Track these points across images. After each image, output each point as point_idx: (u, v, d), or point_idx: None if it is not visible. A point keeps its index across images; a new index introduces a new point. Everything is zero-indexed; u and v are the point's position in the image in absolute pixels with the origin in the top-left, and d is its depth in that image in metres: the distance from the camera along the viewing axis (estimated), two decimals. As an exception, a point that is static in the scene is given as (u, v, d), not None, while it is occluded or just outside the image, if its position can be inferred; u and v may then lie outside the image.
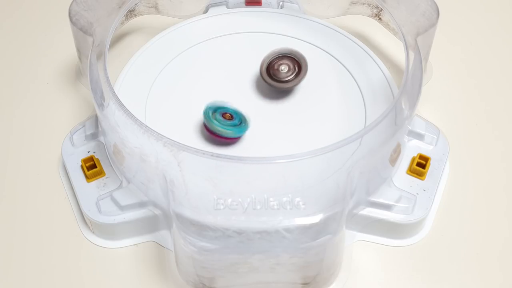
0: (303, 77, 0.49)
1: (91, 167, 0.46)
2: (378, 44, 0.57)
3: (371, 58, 0.52)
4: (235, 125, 0.46)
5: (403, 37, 0.48)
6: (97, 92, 0.44)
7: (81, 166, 0.46)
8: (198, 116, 0.49)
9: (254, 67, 0.52)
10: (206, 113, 0.46)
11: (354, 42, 0.54)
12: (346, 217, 0.40)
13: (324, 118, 0.49)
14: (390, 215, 0.44)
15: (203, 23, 0.56)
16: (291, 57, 0.49)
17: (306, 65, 0.49)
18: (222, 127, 0.45)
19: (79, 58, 0.51)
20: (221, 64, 0.53)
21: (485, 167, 0.49)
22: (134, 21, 0.56)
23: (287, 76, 0.49)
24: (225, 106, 0.47)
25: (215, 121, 0.45)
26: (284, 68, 0.49)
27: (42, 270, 0.44)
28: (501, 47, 0.59)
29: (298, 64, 0.49)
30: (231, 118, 0.46)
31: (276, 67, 0.49)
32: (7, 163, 0.49)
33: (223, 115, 0.46)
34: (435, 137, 0.48)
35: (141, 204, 0.43)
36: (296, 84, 0.49)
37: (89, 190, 0.45)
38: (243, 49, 0.54)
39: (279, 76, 0.49)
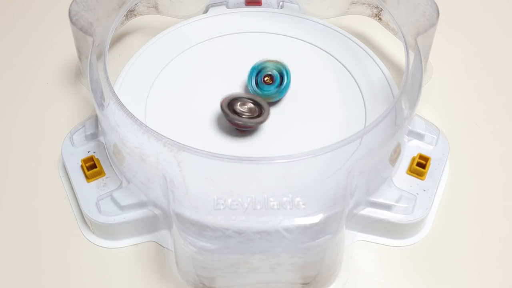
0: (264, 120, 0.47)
1: (91, 167, 0.46)
2: (378, 44, 0.57)
3: (371, 58, 0.52)
4: (277, 86, 0.48)
5: (403, 37, 0.48)
6: (97, 92, 0.44)
7: (81, 166, 0.46)
8: (198, 116, 0.49)
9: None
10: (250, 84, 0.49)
11: (354, 42, 0.54)
12: (346, 217, 0.40)
13: (324, 118, 0.49)
14: (390, 215, 0.44)
15: (203, 23, 0.56)
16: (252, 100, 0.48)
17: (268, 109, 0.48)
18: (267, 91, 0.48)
19: (79, 58, 0.51)
20: (221, 64, 0.53)
21: (485, 167, 0.49)
22: (134, 21, 0.56)
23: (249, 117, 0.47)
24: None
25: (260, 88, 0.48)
26: (245, 109, 0.47)
27: (42, 270, 0.44)
28: (501, 47, 0.59)
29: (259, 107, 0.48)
30: (272, 80, 0.48)
31: (239, 108, 0.47)
32: (7, 163, 0.49)
33: (264, 79, 0.48)
34: (435, 137, 0.48)
35: (141, 204, 0.43)
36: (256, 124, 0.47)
37: (89, 190, 0.45)
38: (243, 49, 0.54)
39: (242, 115, 0.47)
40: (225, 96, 0.47)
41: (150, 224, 0.44)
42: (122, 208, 0.43)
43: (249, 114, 0.47)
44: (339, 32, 0.55)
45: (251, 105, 0.47)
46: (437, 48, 0.52)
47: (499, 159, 0.50)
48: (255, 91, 0.48)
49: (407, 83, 0.44)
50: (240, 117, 0.46)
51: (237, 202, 0.40)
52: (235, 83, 0.51)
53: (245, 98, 0.47)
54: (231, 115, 0.46)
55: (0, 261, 0.44)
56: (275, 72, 0.49)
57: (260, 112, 0.47)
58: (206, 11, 0.57)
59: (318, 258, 0.40)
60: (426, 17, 0.48)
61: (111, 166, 0.46)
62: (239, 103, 0.47)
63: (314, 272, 0.41)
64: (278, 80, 0.48)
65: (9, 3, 0.62)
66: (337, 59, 0.53)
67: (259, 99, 0.48)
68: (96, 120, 0.48)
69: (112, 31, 0.49)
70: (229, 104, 0.47)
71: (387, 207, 0.44)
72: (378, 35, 0.57)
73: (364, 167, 0.41)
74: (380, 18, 0.55)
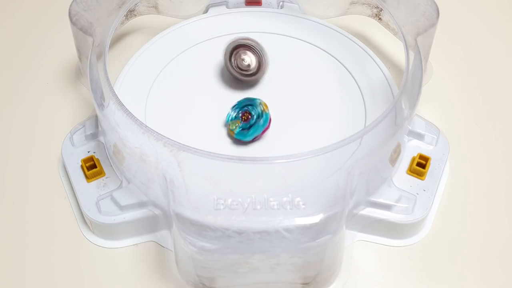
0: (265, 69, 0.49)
1: (91, 167, 0.46)
2: (378, 44, 0.57)
3: (371, 58, 0.52)
4: (250, 126, 0.46)
5: (403, 37, 0.48)
6: (97, 92, 0.44)
7: (81, 166, 0.46)
8: (198, 116, 0.49)
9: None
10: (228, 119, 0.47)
11: (354, 42, 0.54)
12: (346, 217, 0.40)
13: (324, 118, 0.49)
14: (390, 215, 0.44)
15: (203, 23, 0.56)
16: (251, 48, 0.49)
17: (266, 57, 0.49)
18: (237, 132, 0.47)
19: (79, 58, 0.51)
20: (221, 64, 0.52)
21: (485, 167, 0.49)
22: (134, 21, 0.56)
23: (250, 70, 0.49)
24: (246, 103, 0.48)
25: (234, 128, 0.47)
26: (246, 60, 0.49)
27: (42, 270, 0.44)
28: (501, 47, 0.59)
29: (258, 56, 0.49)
30: (248, 117, 0.47)
31: (239, 58, 0.49)
32: (7, 163, 0.49)
33: (242, 115, 0.47)
34: (435, 137, 0.48)
35: (141, 204, 0.43)
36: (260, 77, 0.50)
37: (89, 190, 0.45)
38: (243, 49, 0.54)
39: (243, 68, 0.49)
40: (232, 40, 0.49)
41: (150, 224, 0.44)
42: (122, 208, 0.43)
43: (248, 68, 0.48)
44: (339, 32, 0.55)
45: (253, 58, 0.48)
46: (437, 48, 0.52)
47: (499, 159, 0.50)
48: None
49: (407, 83, 0.44)
50: (236, 70, 0.49)
51: (237, 202, 0.40)
52: (235, 83, 0.51)
53: (252, 47, 0.48)
54: (230, 67, 0.49)
55: (0, 261, 0.44)
56: (241, 110, 0.48)
57: (258, 67, 0.48)
58: (206, 11, 0.57)
59: (318, 258, 0.40)
60: (426, 17, 0.48)
61: (111, 166, 0.46)
62: (242, 54, 0.48)
63: (314, 272, 0.41)
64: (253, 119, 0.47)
65: (9, 3, 0.62)
66: (337, 59, 0.53)
67: (263, 52, 0.49)
68: (96, 120, 0.48)
69: (112, 31, 0.49)
70: (234, 49, 0.49)
71: (387, 207, 0.44)
72: (378, 35, 0.57)
73: (364, 167, 0.41)
74: (380, 18, 0.55)
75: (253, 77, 0.49)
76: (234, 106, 0.48)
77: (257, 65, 0.49)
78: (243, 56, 0.48)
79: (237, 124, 0.46)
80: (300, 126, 0.48)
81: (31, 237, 0.45)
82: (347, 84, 0.51)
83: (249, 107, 0.47)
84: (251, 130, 0.46)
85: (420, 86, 0.44)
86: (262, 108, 0.47)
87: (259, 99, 0.47)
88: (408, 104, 0.44)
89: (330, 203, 0.40)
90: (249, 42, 0.49)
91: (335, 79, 0.51)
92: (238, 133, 0.46)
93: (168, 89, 0.50)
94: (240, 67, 0.49)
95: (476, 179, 0.49)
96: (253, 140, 0.47)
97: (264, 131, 0.47)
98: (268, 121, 0.47)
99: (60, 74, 0.56)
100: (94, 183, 0.45)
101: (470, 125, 0.52)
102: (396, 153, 0.45)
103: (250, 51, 0.49)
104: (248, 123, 0.46)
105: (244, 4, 0.57)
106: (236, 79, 0.50)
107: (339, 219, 0.39)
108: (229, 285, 0.42)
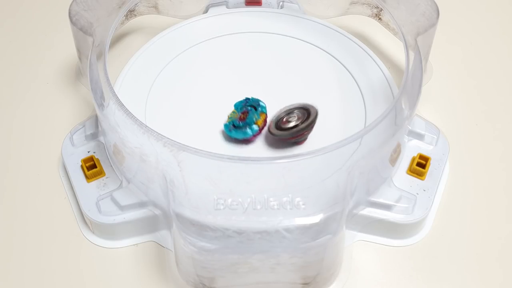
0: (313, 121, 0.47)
1: (91, 167, 0.46)
2: (378, 44, 0.57)
3: (371, 58, 0.52)
4: (237, 127, 0.46)
5: (403, 37, 0.48)
6: (97, 92, 0.44)
7: (81, 166, 0.46)
8: (198, 116, 0.49)
9: (254, 67, 0.52)
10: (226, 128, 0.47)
11: (354, 42, 0.54)
12: (346, 217, 0.40)
13: (324, 118, 0.49)
14: (390, 215, 0.44)
15: (203, 23, 0.56)
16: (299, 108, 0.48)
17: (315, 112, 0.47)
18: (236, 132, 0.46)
19: (79, 58, 0.51)
20: (221, 64, 0.53)
21: (485, 167, 0.49)
22: (134, 21, 0.56)
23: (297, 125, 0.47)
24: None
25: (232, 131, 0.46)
26: (291, 119, 0.47)
27: (42, 270, 0.44)
28: (501, 47, 0.59)
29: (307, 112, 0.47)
30: (245, 118, 0.46)
31: (284, 120, 0.47)
32: (7, 163, 0.49)
33: (242, 113, 0.46)
34: (435, 137, 0.48)
35: (141, 204, 0.43)
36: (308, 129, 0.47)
37: (89, 190, 0.45)
38: (243, 49, 0.54)
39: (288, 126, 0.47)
40: (273, 118, 0.47)
41: (150, 224, 0.44)
42: (122, 208, 0.43)
43: (294, 124, 0.46)
44: (339, 32, 0.55)
45: (295, 116, 0.47)
46: (437, 48, 0.52)
47: (499, 159, 0.50)
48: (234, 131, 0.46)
49: (407, 83, 0.44)
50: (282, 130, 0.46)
51: (237, 202, 0.40)
52: (235, 83, 0.51)
53: (292, 110, 0.47)
54: (276, 133, 0.46)
55: (0, 261, 0.44)
56: (245, 108, 0.47)
57: (304, 119, 0.47)
58: (206, 11, 0.57)
59: (318, 258, 0.40)
60: (426, 17, 0.48)
61: (111, 166, 0.46)
62: (284, 118, 0.47)
63: (314, 272, 0.41)
64: (251, 110, 0.47)
65: (9, 3, 0.62)
66: (337, 59, 0.53)
67: (309, 108, 0.47)
68: (96, 120, 0.48)
69: (112, 31, 0.49)
70: (278, 121, 0.47)
71: (387, 207, 0.44)
72: (378, 35, 0.57)
73: (364, 167, 0.41)
74: (380, 18, 0.55)
75: (297, 128, 0.47)
76: (245, 100, 0.47)
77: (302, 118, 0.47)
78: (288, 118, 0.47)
79: (233, 117, 0.46)
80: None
81: (31, 237, 0.45)
82: (347, 84, 0.51)
83: (251, 110, 0.47)
84: (234, 132, 0.46)
85: (420, 86, 0.44)
86: (256, 120, 0.46)
87: (262, 109, 0.47)
88: (408, 104, 0.44)
89: (330, 203, 0.40)
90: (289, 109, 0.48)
91: (335, 79, 0.51)
92: (227, 125, 0.46)
93: (168, 89, 0.50)
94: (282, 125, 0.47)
95: (476, 179, 0.49)
96: (242, 141, 0.47)
97: (247, 140, 0.46)
98: (253, 134, 0.46)
99: (60, 74, 0.56)
100: (94, 183, 0.45)
101: (470, 125, 0.52)
102: (396, 153, 0.45)
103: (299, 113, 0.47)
104: (241, 122, 0.46)
105: (244, 4, 0.57)
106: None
107: (339, 219, 0.39)
108: (229, 285, 0.42)
